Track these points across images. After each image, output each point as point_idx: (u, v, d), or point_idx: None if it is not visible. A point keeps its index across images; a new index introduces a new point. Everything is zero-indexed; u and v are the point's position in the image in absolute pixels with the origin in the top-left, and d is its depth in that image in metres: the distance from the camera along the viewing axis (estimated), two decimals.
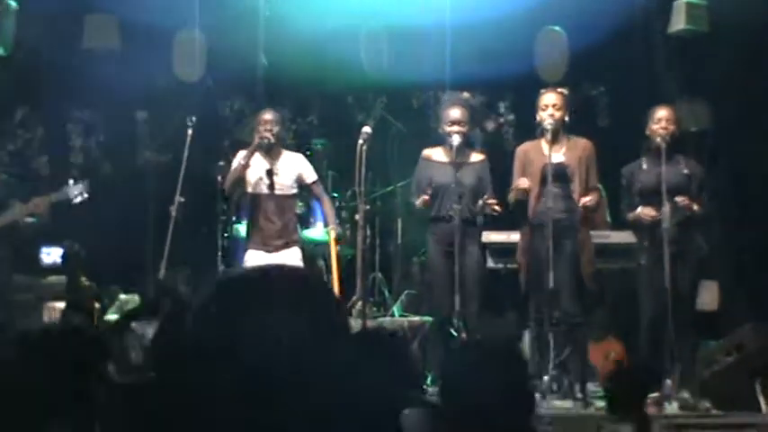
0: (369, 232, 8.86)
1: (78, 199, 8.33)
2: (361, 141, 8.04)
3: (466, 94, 8.23)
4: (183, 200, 7.99)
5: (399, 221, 9.79)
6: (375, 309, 9.26)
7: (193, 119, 8.09)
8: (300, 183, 8.39)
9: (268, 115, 8.33)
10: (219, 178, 8.79)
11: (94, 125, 10.93)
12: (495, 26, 9.67)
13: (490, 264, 8.36)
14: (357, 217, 8.56)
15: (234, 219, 9.51)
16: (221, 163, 9.56)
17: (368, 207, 8.62)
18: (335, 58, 10.18)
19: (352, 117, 10.78)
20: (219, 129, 11.03)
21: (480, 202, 7.72)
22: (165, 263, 7.96)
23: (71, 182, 8.41)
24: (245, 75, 10.61)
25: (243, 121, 11.19)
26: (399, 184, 9.64)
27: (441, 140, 8.04)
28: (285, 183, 8.28)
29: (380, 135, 9.37)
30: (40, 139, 10.99)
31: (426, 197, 7.78)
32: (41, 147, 11.01)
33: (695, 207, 7.43)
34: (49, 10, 9.80)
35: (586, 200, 7.49)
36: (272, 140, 8.21)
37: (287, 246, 8.23)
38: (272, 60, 10.44)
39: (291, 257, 8.14)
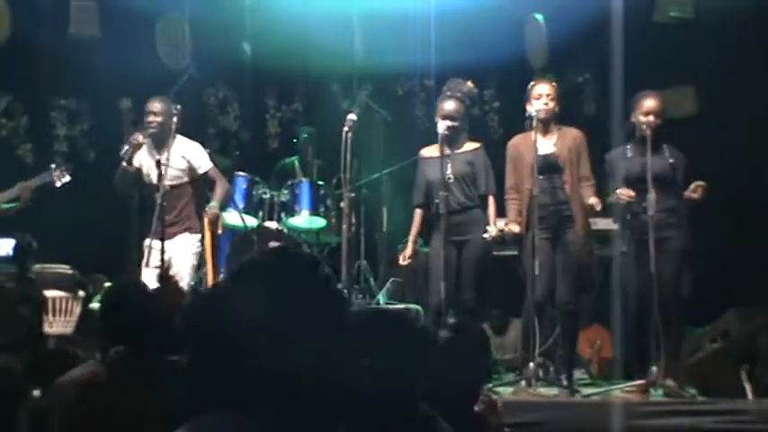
0: (354, 220, 8.80)
1: (60, 182, 8.31)
2: (346, 129, 8.03)
3: (470, 84, 8.14)
4: (168, 187, 7.94)
5: (385, 209, 9.74)
6: (360, 296, 9.15)
7: (178, 107, 8.01)
8: (193, 173, 8.25)
9: (154, 105, 8.17)
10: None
11: (79, 113, 10.86)
12: (479, 12, 9.65)
13: (496, 251, 8.26)
14: (342, 205, 8.55)
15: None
16: (207, 151, 9.51)
17: (353, 195, 8.58)
18: (320, 45, 10.17)
19: (337, 104, 10.74)
20: (204, 117, 11.01)
21: (491, 229, 7.62)
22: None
23: (53, 166, 8.37)
24: (230, 62, 10.58)
25: (227, 109, 11.18)
26: (385, 172, 9.58)
27: (423, 128, 8.00)
28: (174, 174, 8.13)
29: (365, 123, 9.30)
30: (25, 128, 10.96)
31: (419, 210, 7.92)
32: (26, 135, 10.98)
33: (694, 195, 7.38)
34: None
35: (593, 201, 7.44)
36: (157, 131, 8.09)
37: (181, 232, 8.14)
38: (256, 47, 10.43)
39: (184, 244, 8.09)
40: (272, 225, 9.33)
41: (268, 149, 11.03)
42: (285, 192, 9.50)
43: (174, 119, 8.06)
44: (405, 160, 9.16)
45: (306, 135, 10.04)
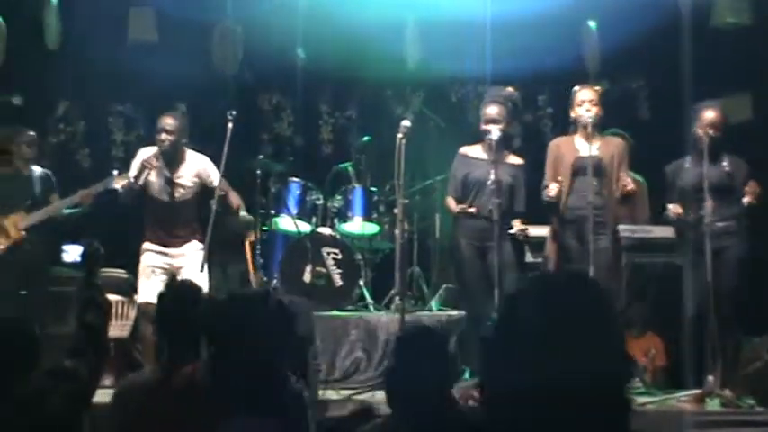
0: (407, 226, 8.78)
1: (122, 189, 8.36)
2: (400, 135, 7.95)
3: (510, 89, 8.13)
4: (223, 193, 7.96)
5: (437, 216, 9.69)
6: (413, 303, 9.14)
7: (233, 112, 8.02)
8: (204, 188, 8.18)
9: (166, 122, 8.07)
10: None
11: (135, 119, 10.94)
12: (534, 19, 9.60)
13: (529, 258, 8.25)
14: (396, 211, 8.51)
15: (273, 212, 9.46)
16: (261, 156, 9.56)
17: (407, 201, 8.55)
18: (374, 51, 10.14)
19: (391, 111, 10.77)
20: (259, 122, 11.05)
21: (514, 227, 7.67)
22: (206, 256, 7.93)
23: (114, 172, 8.43)
24: (284, 68, 10.60)
25: (281, 115, 11.21)
26: (438, 179, 9.46)
27: (479, 135, 7.95)
28: (185, 192, 8.11)
29: (419, 129, 9.23)
30: (82, 133, 11.05)
31: (462, 207, 7.80)
32: (83, 140, 11.07)
33: (748, 198, 7.34)
34: (92, 3, 9.84)
35: (626, 182, 7.41)
36: (168, 149, 8.04)
37: (188, 240, 8.08)
38: (310, 53, 10.44)
39: (194, 252, 8.03)
40: (326, 231, 9.34)
41: (321, 155, 11.03)
42: (338, 198, 9.50)
43: (184, 138, 8.06)
44: None
45: (364, 142, 10.00)
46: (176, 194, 7.96)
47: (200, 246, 7.99)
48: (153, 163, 8.03)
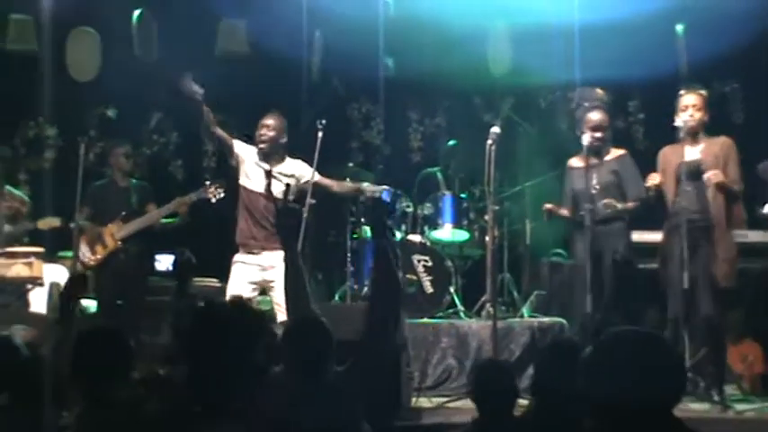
0: (497, 233, 8.71)
1: (215, 199, 8.43)
2: (489, 141, 7.92)
3: (599, 91, 8.03)
4: (314, 202, 7.94)
5: (528, 222, 9.54)
6: (504, 309, 9.10)
7: (323, 121, 8.02)
8: (302, 188, 7.93)
9: (267, 119, 8.08)
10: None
11: (226, 128, 10.95)
12: (623, 24, 9.49)
13: (640, 264, 8.12)
14: (486, 217, 8.49)
15: (362, 220, 9.47)
16: (350, 164, 9.55)
17: (497, 207, 8.50)
18: (462, 58, 10.10)
19: (480, 118, 10.72)
20: (348, 131, 11.07)
21: (602, 202, 7.56)
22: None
23: (207, 182, 8.49)
24: (373, 77, 10.58)
25: (370, 124, 11.22)
26: (527, 184, 9.47)
27: (566, 140, 7.90)
28: (281, 188, 7.88)
29: (508, 135, 9.16)
30: (175, 144, 11.19)
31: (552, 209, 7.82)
32: (176, 151, 11.21)
33: None
34: (182, 17, 9.93)
35: (711, 174, 7.26)
36: (266, 148, 8.00)
37: (276, 249, 7.58)
38: (399, 62, 10.42)
39: (280, 264, 7.38)
40: (416, 238, 9.31)
41: (410, 163, 11.01)
42: (428, 205, 9.46)
43: (283, 138, 8.02)
44: (547, 173, 9.09)
45: (451, 146, 9.96)
46: (272, 189, 7.91)
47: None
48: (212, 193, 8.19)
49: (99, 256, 8.67)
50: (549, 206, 7.94)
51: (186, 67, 9.19)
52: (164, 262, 9.66)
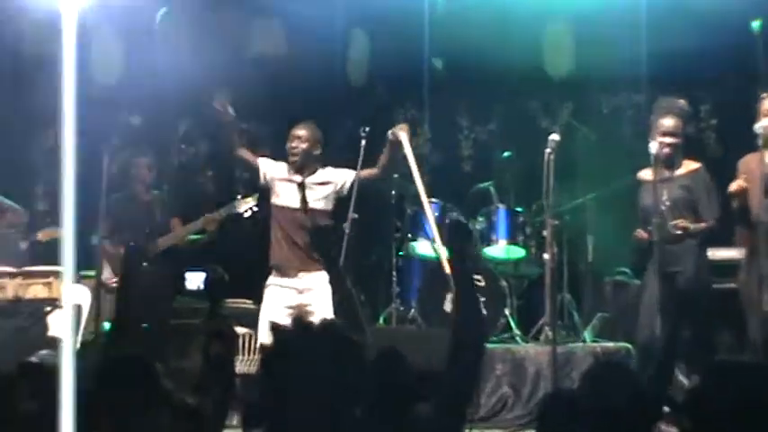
0: (556, 249, 8.67)
1: (248, 213, 8.42)
2: (548, 150, 7.90)
3: (681, 101, 7.93)
4: (356, 216, 7.93)
5: (590, 237, 9.58)
6: (564, 333, 9.06)
7: (366, 129, 8.00)
8: (339, 193, 7.90)
9: (298, 130, 7.92)
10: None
11: (261, 137, 10.97)
12: (693, 20, 9.44)
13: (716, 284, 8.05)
14: (545, 233, 8.46)
15: (410, 236, 9.49)
16: (395, 176, 9.53)
17: (556, 222, 8.47)
18: (516, 60, 10.08)
19: (537, 124, 10.69)
20: None
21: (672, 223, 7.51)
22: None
23: (239, 196, 8.50)
24: (419, 80, 10.58)
25: (416, 131, 11.19)
26: (589, 197, 9.46)
27: (631, 149, 7.84)
28: (318, 199, 7.85)
29: (567, 143, 9.12)
30: (205, 154, 11.20)
31: (641, 234, 7.67)
32: (206, 161, 11.21)
33: None
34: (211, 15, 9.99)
35: None
36: (298, 161, 7.88)
37: (319, 268, 7.48)
38: (447, 63, 10.43)
39: (324, 284, 7.25)
40: None
41: (461, 173, 11.01)
42: (480, 219, 9.47)
43: (316, 149, 7.93)
44: (611, 183, 9.04)
45: (505, 159, 9.97)
46: (308, 199, 7.90)
47: (326, 277, 7.31)
48: (240, 208, 8.26)
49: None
50: (641, 234, 7.75)
51: (216, 69, 9.24)
52: (194, 280, 9.65)
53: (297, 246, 7.78)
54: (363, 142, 7.90)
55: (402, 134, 7.79)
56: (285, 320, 7.38)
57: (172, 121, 11.07)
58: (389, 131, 7.81)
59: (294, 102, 10.18)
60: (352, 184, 7.82)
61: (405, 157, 7.87)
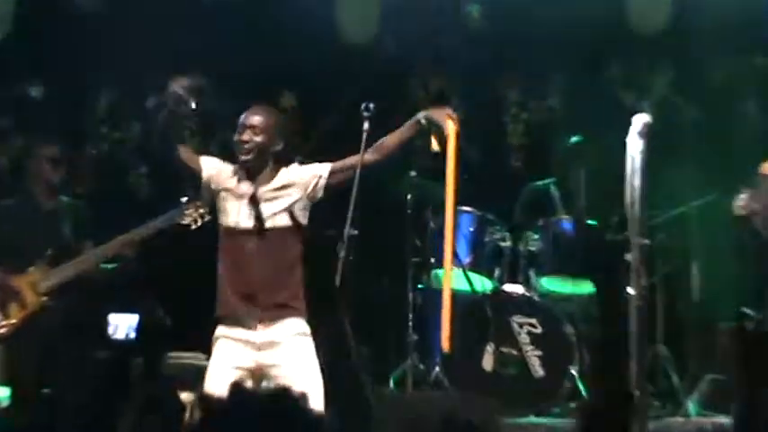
0: (646, 281, 8.42)
1: (196, 225, 8.15)
2: (634, 136, 7.67)
3: None
4: (356, 233, 7.64)
5: (695, 264, 9.58)
6: (658, 404, 9.22)
7: (371, 106, 7.70)
8: (312, 198, 7.61)
9: (251, 118, 7.60)
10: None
11: (216, 117, 10.78)
12: None
13: None
14: (628, 257, 8.15)
15: (433, 260, 9.51)
16: (413, 173, 9.27)
17: (646, 241, 8.19)
18: (587, 11, 10.25)
19: (618, 99, 10.70)
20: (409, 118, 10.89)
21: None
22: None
23: (184, 199, 8.24)
24: (446, 33, 10.63)
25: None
26: (694, 204, 9.54)
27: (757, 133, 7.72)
28: (279, 212, 7.54)
29: (663, 126, 9.10)
30: (137, 140, 11.13)
31: None
32: (138, 151, 11.13)
33: None
34: None
35: None
36: (250, 160, 7.55)
37: (278, 318, 7.38)
38: (486, 9, 10.68)
39: (287, 339, 7.34)
40: (517, 289, 9.45)
41: (508, 170, 11.08)
42: (535, 236, 9.64)
43: (276, 144, 7.67)
44: (725, 184, 9.24)
45: (573, 145, 9.92)
46: (265, 216, 7.55)
47: (303, 326, 7.44)
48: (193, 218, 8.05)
49: (14, 321, 8.51)
50: None
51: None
52: (121, 326, 9.51)
53: (251, 283, 7.54)
54: (366, 125, 7.58)
55: (450, 126, 7.47)
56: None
57: (89, 92, 11.03)
58: (421, 114, 7.52)
59: (267, 66, 9.98)
60: (344, 181, 7.51)
61: (439, 156, 7.62)
